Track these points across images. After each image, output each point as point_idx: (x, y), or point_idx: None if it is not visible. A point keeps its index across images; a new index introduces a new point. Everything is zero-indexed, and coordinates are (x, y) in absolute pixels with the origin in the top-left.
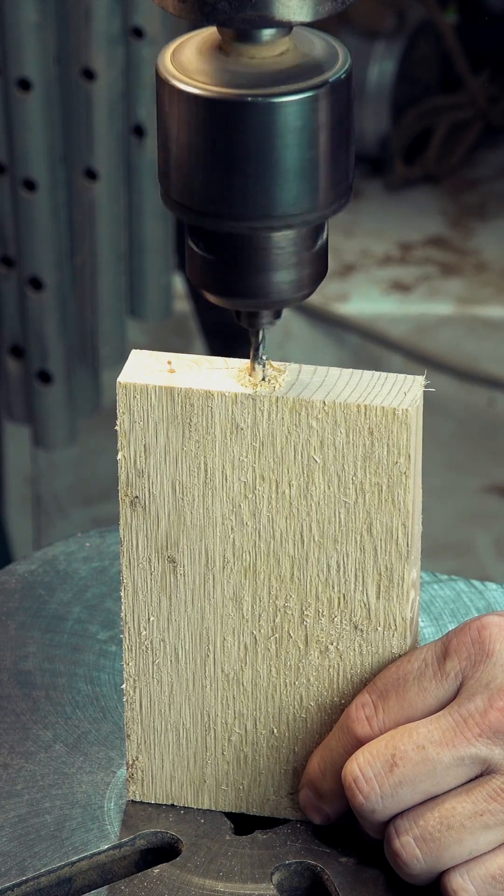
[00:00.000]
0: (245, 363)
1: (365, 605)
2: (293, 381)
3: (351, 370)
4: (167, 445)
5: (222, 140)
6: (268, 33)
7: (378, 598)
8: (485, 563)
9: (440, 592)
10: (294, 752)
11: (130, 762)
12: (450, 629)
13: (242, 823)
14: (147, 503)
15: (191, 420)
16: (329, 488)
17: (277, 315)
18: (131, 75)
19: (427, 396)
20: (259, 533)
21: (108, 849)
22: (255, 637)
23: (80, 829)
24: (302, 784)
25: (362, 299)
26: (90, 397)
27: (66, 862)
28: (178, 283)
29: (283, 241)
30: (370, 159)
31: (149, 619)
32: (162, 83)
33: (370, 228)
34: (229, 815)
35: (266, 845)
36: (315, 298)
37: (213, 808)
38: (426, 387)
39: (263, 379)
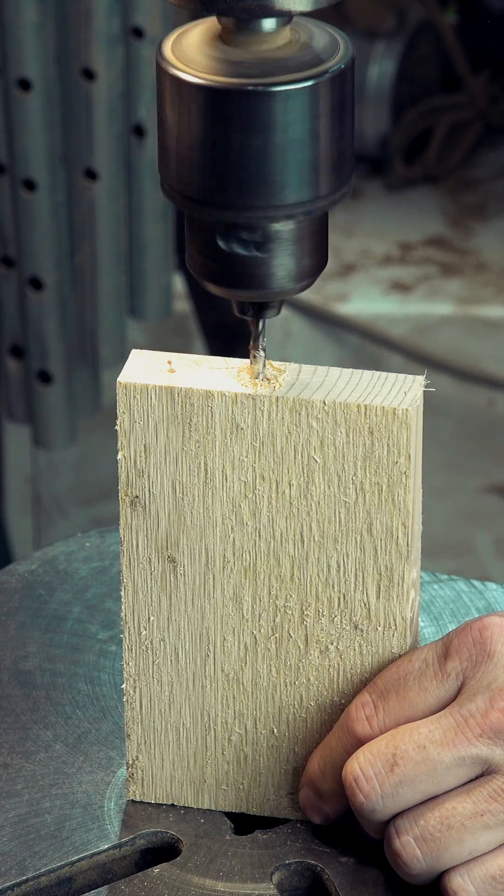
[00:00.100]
0: (245, 363)
1: (365, 604)
2: (293, 381)
3: (351, 370)
4: (167, 445)
5: (222, 129)
6: (268, 23)
7: (378, 597)
8: (485, 563)
9: (440, 592)
10: (294, 751)
11: (130, 762)
12: (450, 629)
13: (242, 823)
14: (147, 503)
15: (191, 420)
16: (329, 488)
17: (278, 306)
18: (131, 75)
19: (427, 396)
20: (259, 533)
21: (108, 848)
22: (255, 637)
23: (80, 829)
24: (302, 784)
25: (362, 299)
26: (90, 397)
27: (66, 862)
28: (178, 283)
29: (283, 231)
30: (370, 159)
31: (149, 618)
32: (162, 73)
33: (370, 228)
34: (229, 815)
35: (266, 845)
36: (315, 298)
37: (213, 808)
38: (426, 387)
39: (262, 370)
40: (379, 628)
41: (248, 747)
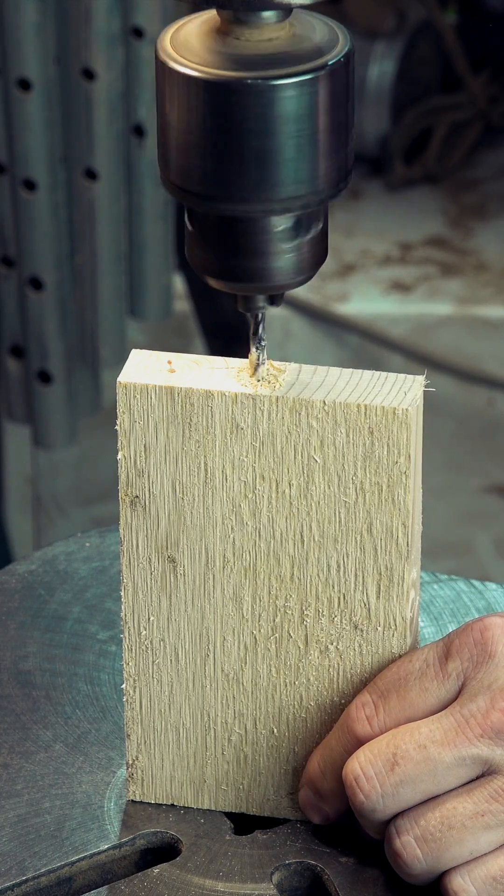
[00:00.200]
0: (245, 363)
1: (365, 604)
2: (293, 381)
3: (351, 370)
4: (167, 445)
5: (221, 122)
6: (267, 16)
7: (378, 597)
8: (485, 563)
9: (440, 592)
10: (294, 751)
11: (130, 762)
12: (450, 629)
13: (242, 823)
14: (147, 503)
15: (191, 420)
16: (329, 488)
17: (277, 299)
18: (131, 75)
19: (427, 396)
20: (259, 533)
21: (108, 849)
22: (255, 637)
23: (80, 829)
24: (302, 783)
25: (362, 299)
26: (90, 397)
27: (66, 862)
28: (178, 283)
29: (282, 224)
30: (370, 159)
31: (149, 618)
32: (161, 66)
33: (370, 228)
34: (229, 815)
35: (266, 845)
36: (315, 298)
37: (213, 808)
38: (426, 387)
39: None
40: (379, 628)
41: (247, 747)
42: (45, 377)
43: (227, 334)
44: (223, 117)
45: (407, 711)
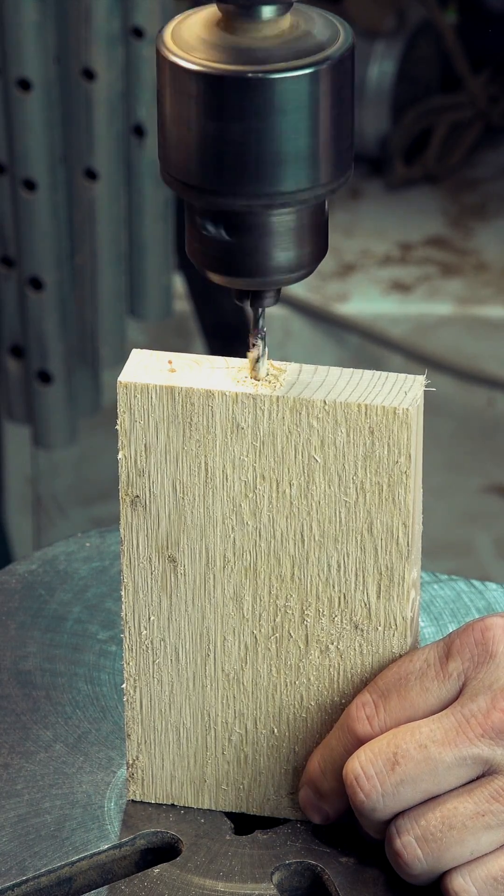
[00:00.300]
0: (246, 363)
1: (365, 604)
2: (293, 381)
3: (351, 370)
4: (168, 445)
5: (221, 117)
6: (268, 10)
7: (378, 597)
8: (485, 563)
9: (440, 592)
10: (294, 751)
11: (130, 762)
12: (450, 629)
13: (242, 823)
14: (147, 502)
15: (191, 419)
16: (329, 488)
17: (277, 294)
18: (131, 75)
19: (427, 396)
20: (259, 532)
21: (108, 849)
22: (255, 637)
23: (80, 829)
24: (302, 783)
25: (362, 299)
26: (90, 397)
27: (66, 862)
28: (178, 283)
29: (283, 219)
30: (370, 159)
31: (149, 618)
32: (162, 60)
33: (370, 228)
34: (229, 815)
35: (266, 845)
36: (315, 298)
37: (214, 808)
38: (426, 386)
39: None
40: (379, 628)
41: (248, 747)
42: (45, 377)
43: (227, 334)
44: (223, 111)
45: (407, 711)
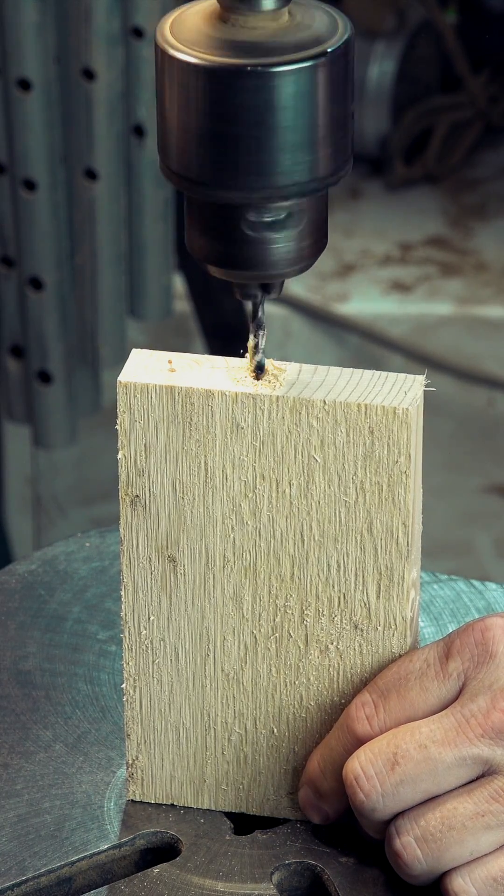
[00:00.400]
0: (246, 363)
1: (365, 604)
2: (293, 381)
3: (351, 369)
4: (167, 444)
5: (219, 109)
6: (267, 2)
7: (378, 597)
8: (485, 563)
9: (440, 592)
10: (294, 751)
11: (130, 762)
12: (450, 629)
13: (242, 823)
14: (147, 502)
15: (191, 419)
16: (329, 487)
17: (277, 287)
18: (131, 75)
19: (427, 396)
20: (259, 532)
21: (108, 849)
22: (255, 636)
23: (80, 829)
24: (301, 783)
25: (362, 299)
26: (90, 397)
27: (66, 862)
28: (178, 283)
29: (281, 212)
30: (370, 159)
31: (149, 618)
32: (161, 52)
33: (370, 228)
34: (229, 815)
35: (266, 845)
36: (315, 298)
37: (213, 808)
38: (426, 386)
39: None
40: (379, 628)
41: (247, 747)
42: (45, 377)
43: (227, 334)
44: (222, 104)
45: (407, 711)
